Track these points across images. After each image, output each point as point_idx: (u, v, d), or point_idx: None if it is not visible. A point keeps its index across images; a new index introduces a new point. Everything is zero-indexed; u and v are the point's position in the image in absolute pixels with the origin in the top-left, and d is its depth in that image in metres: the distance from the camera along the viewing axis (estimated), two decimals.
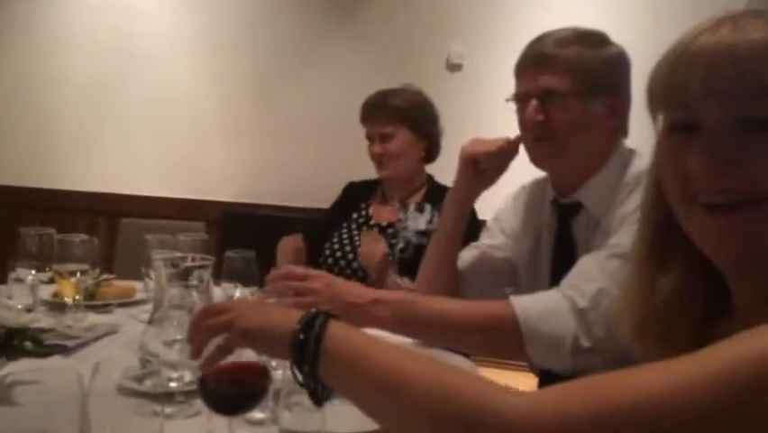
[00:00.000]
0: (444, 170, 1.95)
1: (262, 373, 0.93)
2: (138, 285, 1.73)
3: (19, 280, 1.49)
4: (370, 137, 2.12)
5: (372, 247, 1.92)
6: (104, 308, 1.61)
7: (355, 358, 0.69)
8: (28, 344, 1.10)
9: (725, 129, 0.63)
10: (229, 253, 1.46)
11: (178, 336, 1.14)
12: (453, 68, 3.54)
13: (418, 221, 1.96)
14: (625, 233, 1.15)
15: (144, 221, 2.75)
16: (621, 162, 1.27)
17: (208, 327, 0.84)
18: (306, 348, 0.71)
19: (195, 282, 1.29)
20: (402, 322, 1.15)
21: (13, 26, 4.01)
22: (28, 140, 4.01)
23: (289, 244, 2.15)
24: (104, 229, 3.57)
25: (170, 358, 1.10)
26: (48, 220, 3.23)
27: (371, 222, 2.12)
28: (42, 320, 1.34)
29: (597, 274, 1.13)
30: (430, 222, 1.97)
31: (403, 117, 2.07)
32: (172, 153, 3.83)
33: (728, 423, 0.51)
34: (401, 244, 1.95)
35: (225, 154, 3.78)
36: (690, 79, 0.64)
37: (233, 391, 0.92)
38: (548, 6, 3.28)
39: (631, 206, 1.18)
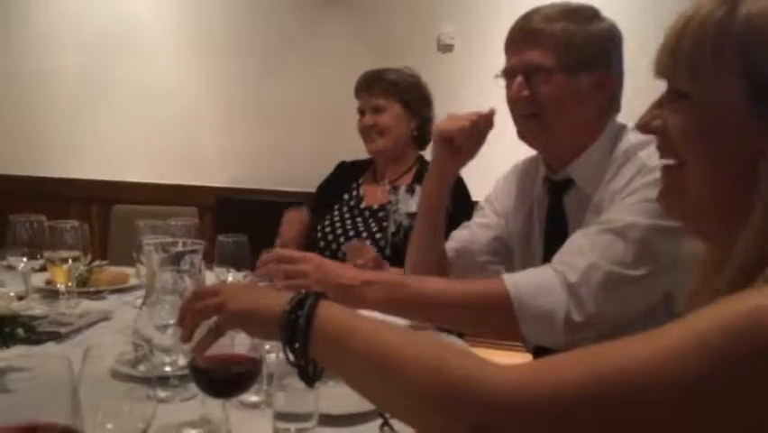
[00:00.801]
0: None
1: (254, 356, 0.93)
2: (131, 271, 1.73)
3: (11, 268, 1.48)
4: (361, 110, 2.13)
5: (359, 257, 1.84)
6: (97, 294, 1.60)
7: (345, 336, 0.70)
8: (20, 331, 1.10)
9: None
10: (221, 238, 1.46)
11: (171, 321, 1.14)
12: (444, 48, 3.52)
13: (409, 203, 1.95)
14: (616, 208, 1.16)
15: (137, 207, 2.74)
16: (611, 138, 1.26)
17: (199, 310, 0.83)
18: (296, 328, 0.72)
19: (186, 267, 1.29)
20: (394, 302, 1.15)
21: (5, 19, 3.97)
22: (20, 129, 3.97)
23: (295, 216, 2.19)
24: (97, 216, 3.57)
25: (163, 342, 1.10)
26: (41, 208, 3.20)
27: (362, 205, 2.11)
28: (35, 308, 1.34)
29: (587, 249, 1.13)
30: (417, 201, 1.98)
31: (396, 92, 2.08)
32: (165, 140, 3.80)
33: (709, 391, 0.51)
34: (393, 228, 1.95)
35: (218, 140, 3.76)
36: None
37: (225, 373, 0.92)
38: None
39: (621, 181, 1.19)
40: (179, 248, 1.33)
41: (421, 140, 2.15)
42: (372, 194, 2.12)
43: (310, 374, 0.74)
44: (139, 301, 1.57)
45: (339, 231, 2.04)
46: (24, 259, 1.47)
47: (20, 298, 1.39)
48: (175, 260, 1.30)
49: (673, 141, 0.69)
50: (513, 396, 0.57)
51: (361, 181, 2.19)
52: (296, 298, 0.74)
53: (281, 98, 3.66)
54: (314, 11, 3.62)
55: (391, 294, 1.16)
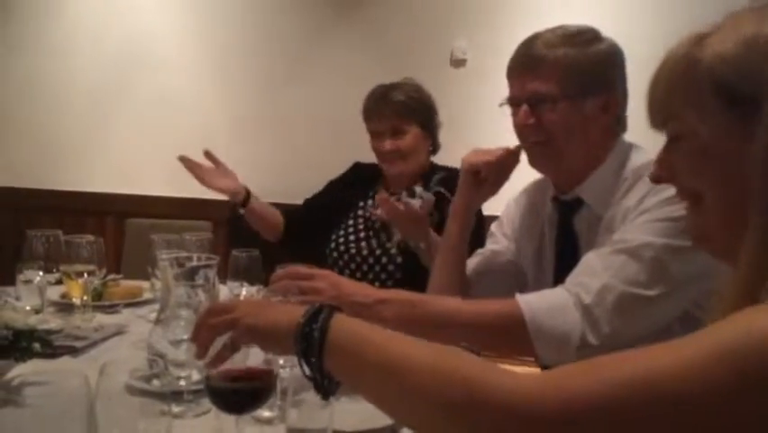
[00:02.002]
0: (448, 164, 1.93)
1: (268, 372, 0.93)
2: (145, 285, 1.74)
3: (27, 282, 1.50)
4: (376, 133, 2.08)
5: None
6: (111, 308, 1.62)
7: (359, 347, 0.70)
8: (36, 345, 1.11)
9: None
10: (235, 252, 1.47)
11: (185, 336, 1.15)
12: (457, 63, 3.54)
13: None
14: (629, 228, 1.15)
15: (150, 221, 2.77)
16: (620, 157, 1.26)
17: (213, 325, 0.84)
18: (311, 340, 0.72)
19: (200, 282, 1.30)
20: (408, 322, 1.15)
21: (21, 29, 4.03)
22: (35, 142, 4.02)
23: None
24: (111, 229, 3.59)
25: (178, 357, 1.11)
26: (54, 221, 3.27)
27: (375, 221, 2.08)
28: (51, 321, 1.35)
29: (601, 270, 1.12)
30: (427, 205, 1.92)
31: (411, 113, 2.04)
32: (178, 153, 3.83)
33: (732, 403, 0.51)
34: (397, 236, 1.93)
35: (232, 153, 3.76)
36: None
37: (239, 389, 0.93)
38: None
39: (633, 200, 1.19)
40: (194, 263, 1.35)
41: (433, 151, 2.13)
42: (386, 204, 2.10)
43: (325, 388, 0.75)
44: (153, 315, 1.58)
45: (352, 244, 2.03)
46: (40, 273, 1.49)
47: (36, 312, 1.40)
48: (189, 274, 1.31)
49: (686, 183, 0.73)
50: (527, 407, 0.57)
51: (375, 191, 2.14)
52: (309, 311, 0.74)
53: (296, 111, 3.68)
54: (328, 25, 3.66)
55: (405, 313, 1.16)
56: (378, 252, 1.99)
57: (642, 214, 1.15)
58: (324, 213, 2.17)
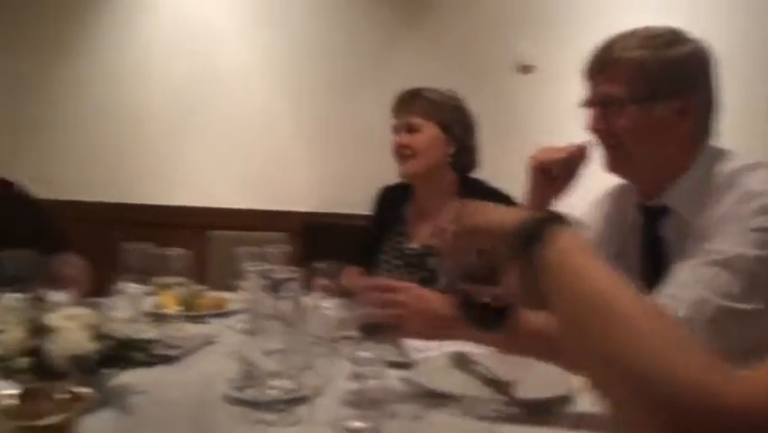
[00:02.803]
0: (511, 179, 1.89)
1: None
2: (229, 296, 1.80)
3: (122, 293, 1.57)
4: (394, 129, 2.02)
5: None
6: (200, 318, 1.68)
7: (577, 271, 0.68)
8: (138, 354, 1.16)
9: None
10: (315, 265, 1.50)
11: (277, 346, 1.18)
12: (524, 69, 3.51)
13: None
14: (722, 238, 1.12)
15: (231, 233, 2.85)
16: (708, 164, 1.22)
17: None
18: (533, 236, 0.73)
19: (286, 293, 1.34)
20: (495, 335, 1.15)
21: (95, 50, 4.24)
22: (117, 159, 4.21)
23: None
24: (191, 242, 3.72)
25: (270, 367, 1.14)
26: (137, 234, 3.40)
27: (410, 246, 1.98)
28: (147, 331, 1.41)
29: (692, 283, 1.10)
30: None
31: (433, 112, 1.94)
32: (252, 165, 3.94)
33: None
34: (444, 280, 1.80)
35: (304, 164, 3.87)
36: None
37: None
38: None
39: (724, 208, 1.15)
40: (280, 275, 1.39)
41: (459, 167, 1.99)
42: (419, 231, 1.99)
43: (491, 319, 0.79)
44: (240, 326, 1.63)
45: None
46: (135, 284, 1.56)
47: (131, 322, 1.47)
48: (275, 286, 1.35)
49: None
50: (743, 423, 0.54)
51: (406, 214, 2.06)
52: (537, 215, 0.77)
53: (366, 120, 3.72)
54: (394, 33, 3.69)
55: None
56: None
57: (734, 223, 1.12)
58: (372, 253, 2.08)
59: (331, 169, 3.80)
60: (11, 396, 0.97)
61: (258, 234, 2.62)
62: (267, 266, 1.50)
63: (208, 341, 1.51)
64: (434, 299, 1.21)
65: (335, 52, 3.77)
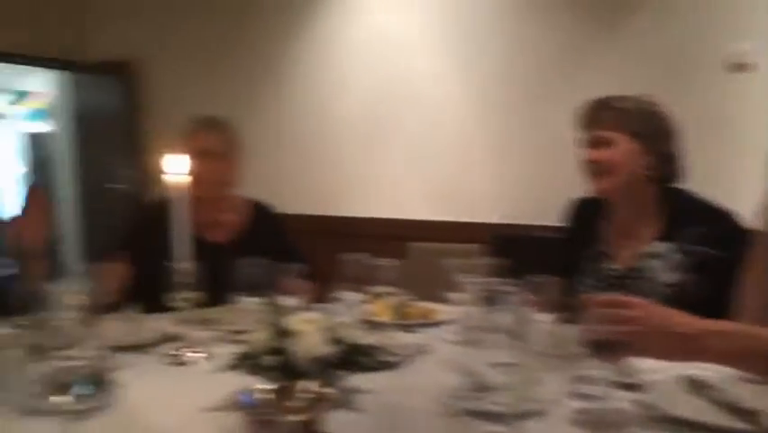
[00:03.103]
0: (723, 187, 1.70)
1: None
2: (435, 306, 1.84)
3: (341, 301, 1.66)
4: (584, 143, 1.88)
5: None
6: (411, 327, 1.73)
7: None
8: (366, 359, 1.22)
9: None
10: (529, 278, 1.49)
11: (501, 359, 1.19)
12: (737, 68, 3.23)
13: (658, 271, 1.70)
14: None
15: (425, 245, 2.92)
16: None
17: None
18: None
19: (504, 306, 1.34)
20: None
21: (298, 69, 4.56)
22: (318, 171, 4.50)
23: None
24: (386, 253, 3.86)
25: (496, 380, 1.15)
26: (340, 245, 3.60)
27: (612, 266, 1.85)
28: (368, 338, 1.48)
29: None
30: (677, 267, 1.68)
31: (624, 122, 1.79)
32: (443, 180, 4.01)
33: None
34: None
35: (492, 175, 3.87)
36: None
37: None
38: None
39: None
40: (498, 287, 1.39)
41: (660, 179, 1.83)
42: (620, 252, 1.87)
43: None
44: (449, 336, 1.66)
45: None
46: (352, 293, 1.64)
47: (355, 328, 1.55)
48: (493, 299, 1.35)
49: None
50: None
51: (603, 231, 1.93)
52: None
53: (557, 128, 3.64)
54: (593, 37, 3.57)
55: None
56: None
57: None
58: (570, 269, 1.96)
59: (519, 179, 3.76)
60: (267, 391, 1.06)
61: (454, 246, 2.65)
62: (480, 278, 1.51)
63: (422, 350, 1.54)
64: (671, 315, 1.14)
65: (526, 61, 3.74)
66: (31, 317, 1.45)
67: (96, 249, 5.86)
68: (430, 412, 1.19)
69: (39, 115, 8.18)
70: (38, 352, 1.27)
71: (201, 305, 1.62)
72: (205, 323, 1.76)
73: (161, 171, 1.63)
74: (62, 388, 1.17)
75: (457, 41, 3.93)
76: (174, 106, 5.38)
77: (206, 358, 1.53)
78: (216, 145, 2.16)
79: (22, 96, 8.35)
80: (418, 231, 3.71)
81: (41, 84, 7.53)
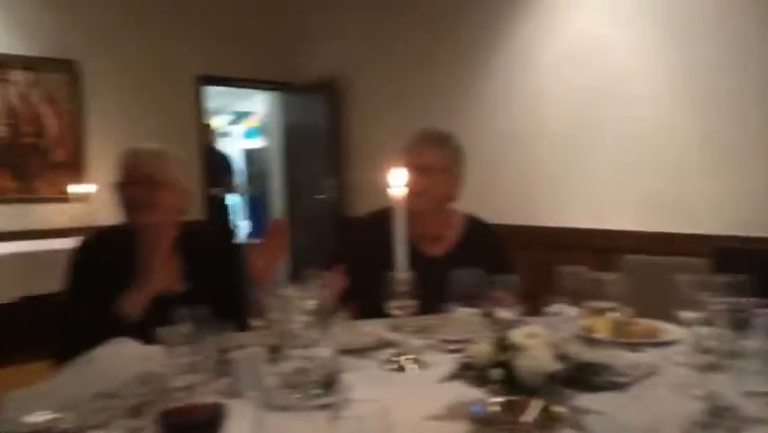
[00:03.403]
0: None
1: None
2: (661, 325, 1.72)
3: (557, 315, 1.61)
4: None
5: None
6: (636, 346, 1.62)
7: None
8: (595, 378, 1.17)
9: None
10: None
11: (752, 387, 1.07)
12: None
13: None
14: None
15: (636, 257, 2.74)
16: None
17: None
18: None
19: (753, 328, 1.21)
20: None
21: (498, 79, 4.55)
22: (518, 180, 4.44)
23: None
24: (599, 266, 3.70)
25: (748, 411, 1.03)
26: (544, 256, 3.52)
27: None
28: (594, 356, 1.41)
29: None
30: None
31: None
32: (652, 188, 3.75)
33: None
34: None
35: (712, 184, 3.53)
36: None
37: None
38: None
39: None
40: (744, 306, 1.26)
41: None
42: None
43: None
44: (679, 357, 1.53)
45: None
46: (569, 307, 1.58)
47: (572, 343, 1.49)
48: (742, 321, 1.23)
49: None
50: None
51: None
52: None
53: None
54: None
55: None
56: None
57: None
58: None
59: (744, 186, 3.39)
60: (497, 404, 1.05)
61: (672, 259, 2.46)
62: (721, 296, 1.37)
63: (651, 372, 1.44)
64: None
65: (749, 66, 3.37)
66: (268, 319, 1.58)
67: (304, 255, 6.31)
68: None
69: (254, 132, 9.03)
70: (275, 352, 1.38)
71: (416, 313, 1.65)
72: (419, 331, 1.79)
73: (373, 183, 1.70)
74: (299, 386, 1.26)
75: (669, 37, 3.65)
76: (376, 121, 5.63)
77: (422, 366, 1.55)
78: (436, 160, 2.18)
79: (240, 116, 9.27)
80: (630, 242, 3.50)
81: (257, 105, 8.29)
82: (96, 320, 1.75)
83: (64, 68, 5.23)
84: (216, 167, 6.72)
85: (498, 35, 4.51)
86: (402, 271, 1.57)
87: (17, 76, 5.07)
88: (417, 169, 2.09)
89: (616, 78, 3.86)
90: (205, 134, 6.43)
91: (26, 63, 5.09)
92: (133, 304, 1.81)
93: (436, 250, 2.21)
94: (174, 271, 1.96)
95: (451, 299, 1.59)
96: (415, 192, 2.02)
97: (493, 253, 2.19)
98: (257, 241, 1.96)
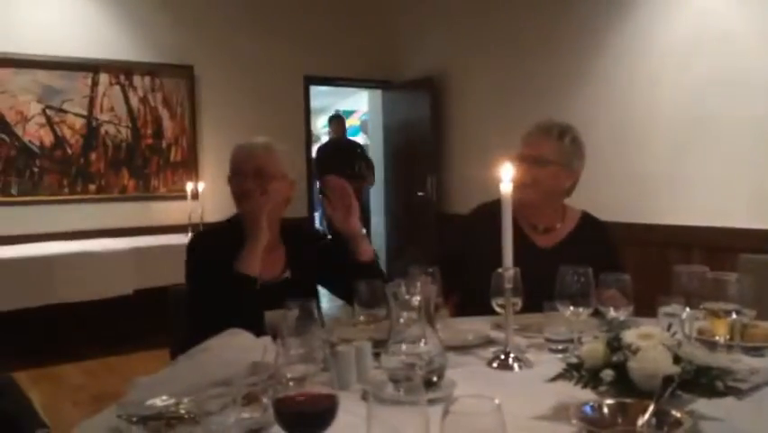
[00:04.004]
0: None
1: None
2: None
3: (670, 315, 1.53)
4: None
5: None
6: (756, 351, 1.52)
7: None
8: (715, 382, 1.11)
9: None
10: None
11: None
12: None
13: None
14: None
15: (758, 257, 2.57)
16: None
17: None
18: None
19: None
20: None
21: (608, 70, 4.38)
22: (626, 177, 4.27)
23: None
24: (714, 265, 3.52)
25: None
26: (654, 255, 3.38)
27: None
28: (712, 359, 1.34)
29: None
30: None
31: None
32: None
33: None
34: None
35: None
36: None
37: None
38: None
39: None
40: None
41: None
42: None
43: None
44: None
45: None
46: (686, 308, 1.51)
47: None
48: None
49: None
50: None
51: None
52: None
53: None
54: None
55: None
56: None
57: None
58: None
59: None
60: (609, 406, 1.02)
61: None
62: None
63: None
64: None
65: None
66: (375, 313, 1.61)
67: (405, 252, 6.36)
68: None
69: (356, 131, 9.20)
70: (380, 347, 1.40)
71: (522, 308, 1.63)
72: (525, 329, 1.77)
73: (474, 180, 1.70)
74: (404, 381, 1.27)
75: None
76: (478, 118, 5.59)
77: (526, 364, 1.53)
78: (552, 152, 2.14)
79: (346, 114, 9.47)
80: (747, 240, 3.29)
81: (359, 103, 8.43)
82: (213, 310, 1.85)
83: (182, 73, 5.54)
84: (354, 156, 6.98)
85: (612, 19, 4.33)
86: (508, 267, 1.55)
87: (140, 81, 5.42)
88: (533, 160, 2.07)
89: (738, 67, 3.63)
90: (336, 126, 7.32)
91: (148, 69, 5.42)
92: (249, 261, 1.90)
93: (547, 241, 2.18)
94: (280, 259, 2.05)
95: (558, 296, 1.55)
96: (526, 183, 2.01)
97: (604, 251, 2.12)
98: (322, 197, 2.05)
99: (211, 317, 1.76)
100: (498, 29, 5.27)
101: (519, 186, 2.11)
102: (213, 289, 1.88)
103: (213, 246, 2.01)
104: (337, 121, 7.76)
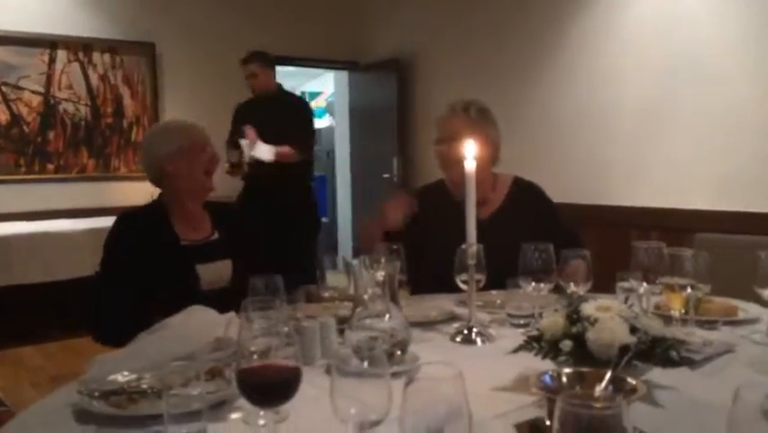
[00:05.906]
0: None
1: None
2: (737, 303, 1.66)
3: (627, 290, 1.57)
4: None
5: None
6: (710, 324, 1.58)
7: None
8: (669, 352, 1.14)
9: None
10: None
11: None
12: None
13: None
14: None
15: (711, 235, 2.64)
16: None
17: None
18: None
19: None
20: None
21: (569, 56, 4.43)
22: (590, 161, 4.34)
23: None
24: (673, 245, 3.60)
25: None
26: (615, 236, 3.45)
27: None
28: (667, 331, 1.38)
29: None
30: None
31: None
32: (731, 168, 3.60)
33: None
34: None
35: None
36: None
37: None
38: None
39: None
40: None
41: None
42: None
43: None
44: (757, 336, 1.49)
45: None
46: (643, 282, 1.55)
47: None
48: None
49: None
50: None
51: None
52: None
53: None
54: None
55: None
56: None
57: None
58: None
59: None
60: (567, 375, 1.05)
61: (748, 238, 2.36)
62: None
63: (727, 349, 1.40)
64: None
65: None
66: (340, 290, 1.62)
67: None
68: (737, 414, 1.06)
69: (322, 112, 9.13)
70: (344, 323, 1.41)
71: (483, 288, 1.65)
72: (486, 305, 1.80)
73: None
74: (367, 354, 1.28)
75: (760, 10, 3.47)
76: (443, 99, 5.57)
77: (489, 339, 1.55)
78: (462, 126, 2.16)
79: (311, 96, 9.38)
80: (708, 222, 3.36)
81: (325, 85, 8.36)
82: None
83: (143, 50, 5.42)
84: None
85: (575, 9, 4.38)
86: (471, 243, 1.57)
87: (99, 58, 5.28)
88: (448, 139, 2.14)
89: (699, 52, 3.70)
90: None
91: (109, 46, 5.29)
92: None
93: (483, 213, 2.20)
94: (207, 222, 2.09)
95: (520, 273, 1.58)
96: (450, 163, 2.05)
97: (542, 213, 2.21)
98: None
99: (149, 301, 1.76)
100: (466, 11, 5.26)
101: (446, 167, 2.18)
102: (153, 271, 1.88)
103: (142, 228, 1.99)
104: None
